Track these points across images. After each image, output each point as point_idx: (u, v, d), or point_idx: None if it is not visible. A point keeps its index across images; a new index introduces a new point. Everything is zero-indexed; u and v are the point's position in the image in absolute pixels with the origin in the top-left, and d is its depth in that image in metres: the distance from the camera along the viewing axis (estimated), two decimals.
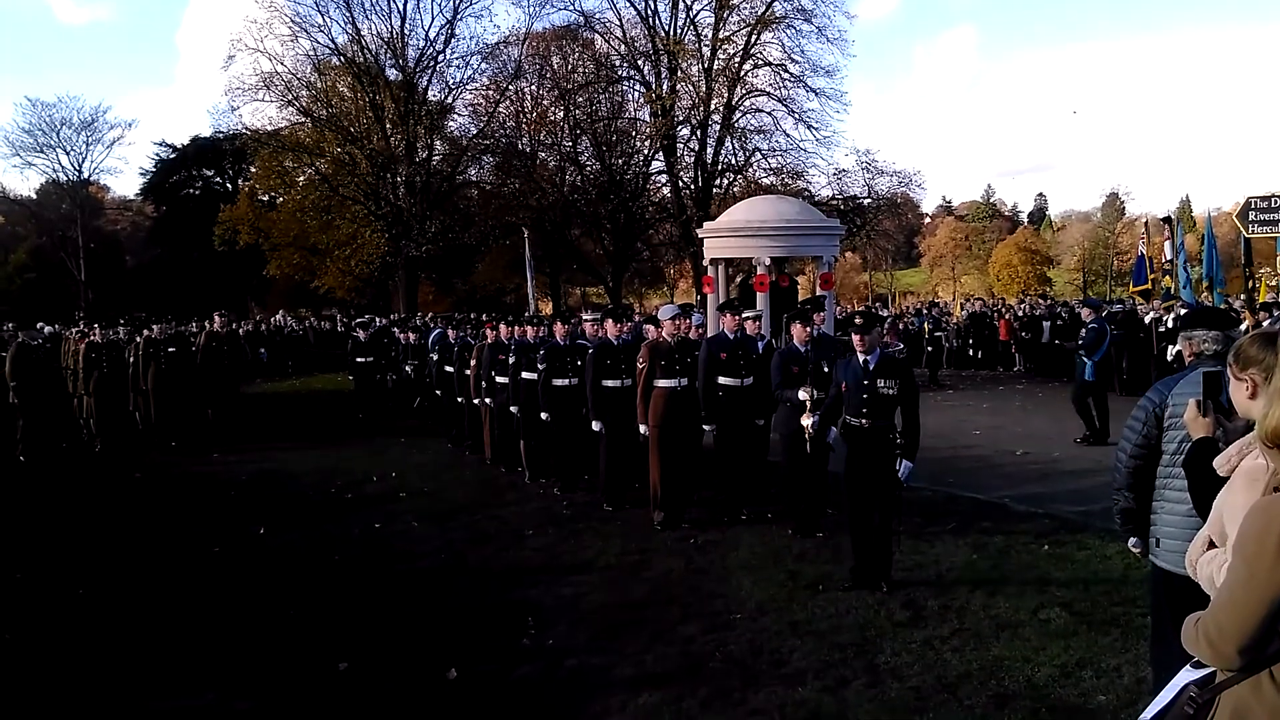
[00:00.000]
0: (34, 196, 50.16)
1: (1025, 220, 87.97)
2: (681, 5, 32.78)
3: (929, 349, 22.68)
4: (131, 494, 10.57)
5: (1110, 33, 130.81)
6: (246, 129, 34.84)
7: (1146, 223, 20.20)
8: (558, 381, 9.88)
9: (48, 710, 4.95)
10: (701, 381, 8.53)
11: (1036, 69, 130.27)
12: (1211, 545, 2.42)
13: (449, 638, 5.72)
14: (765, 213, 17.94)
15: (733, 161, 33.92)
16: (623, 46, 34.03)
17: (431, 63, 34.34)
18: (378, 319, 24.70)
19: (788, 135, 33.18)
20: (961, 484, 9.84)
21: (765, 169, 33.87)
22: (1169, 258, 15.84)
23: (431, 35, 34.16)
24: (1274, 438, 2.08)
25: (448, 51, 34.35)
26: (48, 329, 20.24)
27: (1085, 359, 12.45)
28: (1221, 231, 33.30)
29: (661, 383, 8.47)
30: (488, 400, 11.45)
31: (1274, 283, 17.18)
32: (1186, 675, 2.30)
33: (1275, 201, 12.66)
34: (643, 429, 8.64)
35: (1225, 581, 2.11)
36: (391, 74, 34.04)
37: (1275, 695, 2.02)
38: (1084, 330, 12.80)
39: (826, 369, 7.50)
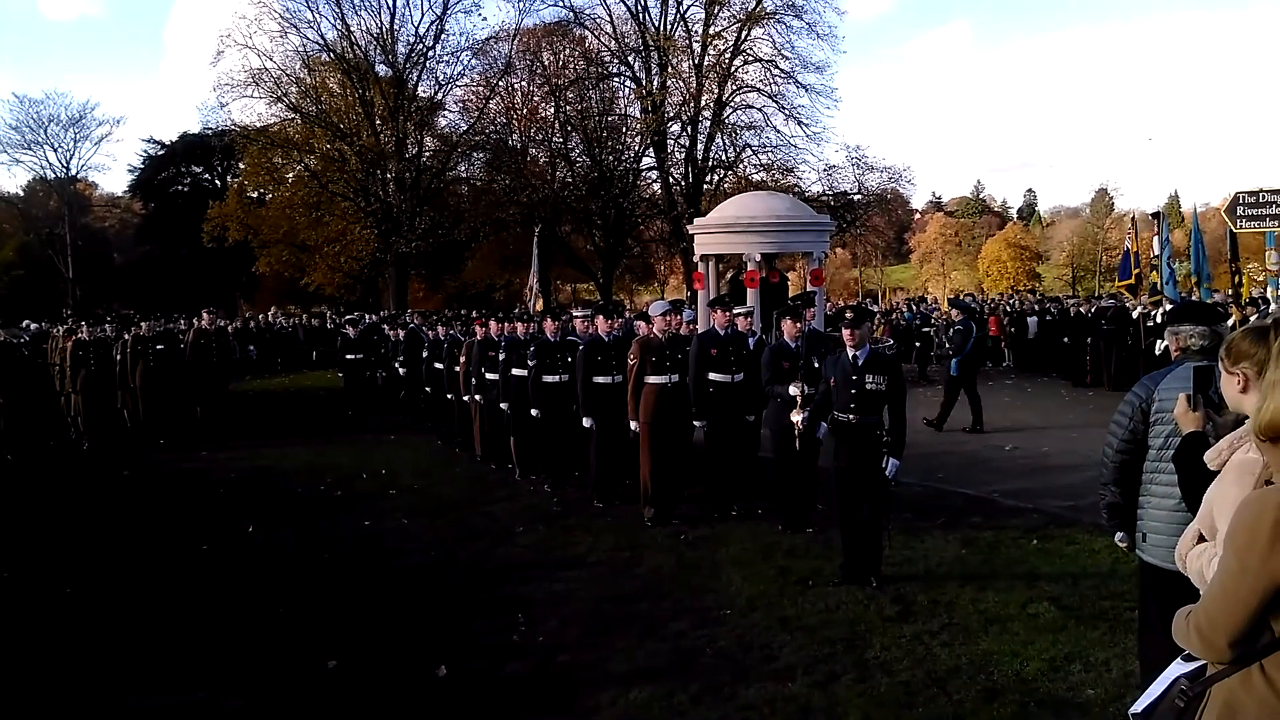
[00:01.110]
0: (21, 194, 49.91)
1: (1014, 216, 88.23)
2: (672, 1, 32.76)
3: (918, 345, 22.73)
4: (120, 492, 10.51)
5: (1101, 29, 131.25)
6: (235, 125, 34.70)
7: (1134, 218, 20.25)
8: (548, 378, 9.86)
9: (37, 709, 4.93)
10: (692, 378, 8.53)
11: (1027, 65, 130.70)
12: (1201, 539, 2.42)
13: (439, 634, 5.72)
14: (755, 209, 17.95)
15: (723, 157, 33.91)
16: (613, 42, 33.98)
17: (421, 59, 34.24)
18: (367, 316, 24.64)
19: (778, 131, 33.21)
20: (951, 479, 9.87)
21: (756, 165, 33.89)
22: (1157, 253, 15.88)
23: (421, 31, 34.08)
24: (1268, 431, 2.08)
25: (438, 48, 34.28)
26: (34, 326, 20.15)
27: (951, 357, 13.36)
28: (1210, 227, 33.41)
29: (652, 379, 8.47)
30: (478, 397, 11.43)
31: (1260, 277, 17.27)
32: (1177, 668, 2.31)
33: (1263, 197, 12.71)
34: (633, 425, 8.64)
35: (1216, 574, 2.11)
36: (381, 70, 33.93)
37: (1266, 688, 2.03)
38: (950, 330, 13.45)
39: (817, 364, 7.51)
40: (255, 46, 32.52)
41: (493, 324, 11.38)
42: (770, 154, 33.60)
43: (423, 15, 34.41)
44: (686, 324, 10.20)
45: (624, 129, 35.82)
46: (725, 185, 33.33)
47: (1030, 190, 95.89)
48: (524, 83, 36.33)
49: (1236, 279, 13.85)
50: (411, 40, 34.02)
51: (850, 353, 6.53)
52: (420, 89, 34.96)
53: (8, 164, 47.21)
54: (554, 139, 36.27)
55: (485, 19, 60.97)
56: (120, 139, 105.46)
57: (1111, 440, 4.18)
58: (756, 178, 33.12)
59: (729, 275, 19.59)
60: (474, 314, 16.95)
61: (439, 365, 13.28)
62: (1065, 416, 13.65)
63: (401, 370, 15.63)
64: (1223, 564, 2.09)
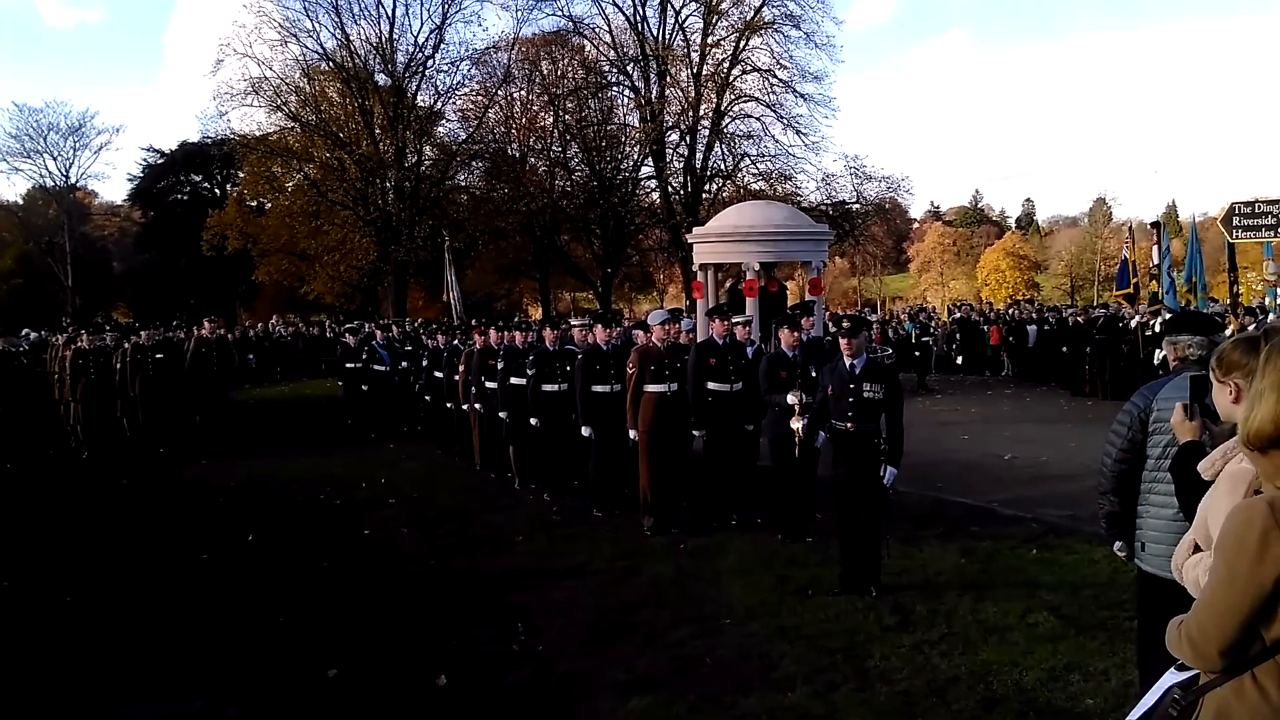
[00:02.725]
0: (20, 202, 49.96)
1: (1013, 225, 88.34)
2: (670, 10, 32.84)
3: (917, 354, 22.77)
4: (119, 501, 10.51)
5: (1100, 40, 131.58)
6: (235, 134, 34.74)
7: (1131, 227, 20.30)
8: (547, 387, 9.88)
9: (37, 717, 4.93)
10: (691, 387, 8.54)
11: (1025, 75, 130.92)
12: (1197, 549, 2.43)
13: (438, 644, 5.72)
14: (754, 218, 17.98)
15: (722, 167, 33.96)
16: (612, 52, 34.05)
17: (421, 68, 34.29)
18: (367, 325, 24.63)
19: (776, 140, 33.24)
20: (950, 489, 9.87)
21: (754, 174, 33.94)
22: (1156, 262, 15.92)
23: (420, 41, 34.12)
24: (1256, 441, 2.10)
25: (437, 57, 34.31)
26: (34, 335, 20.15)
27: None
28: (1208, 237, 33.47)
29: (651, 388, 8.48)
30: (477, 406, 11.44)
31: (1259, 287, 17.30)
32: (1170, 677, 2.32)
33: (1259, 207, 12.75)
34: (632, 434, 8.65)
35: (1206, 583, 2.13)
36: (380, 79, 33.99)
37: (1258, 697, 2.04)
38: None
39: (814, 374, 7.53)
40: (255, 55, 32.60)
41: (492, 333, 11.40)
42: (769, 163, 33.69)
43: (422, 25, 34.41)
44: (685, 333, 10.22)
45: (623, 138, 35.91)
46: (724, 194, 33.37)
47: (1028, 199, 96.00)
48: (523, 92, 36.44)
49: (1235, 289, 13.89)
50: (411, 50, 34.11)
51: (847, 361, 6.54)
52: (420, 98, 35.06)
53: (7, 172, 47.41)
54: (553, 148, 36.35)
55: (486, 29, 60.63)
56: (120, 148, 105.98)
57: (1110, 450, 4.19)
58: (755, 187, 33.18)
59: (728, 284, 19.61)
60: (473, 322, 16.96)
61: (439, 374, 13.29)
62: (1064, 425, 13.65)
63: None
64: (1212, 573, 2.10)
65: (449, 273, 21.29)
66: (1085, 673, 4.99)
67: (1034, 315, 24.09)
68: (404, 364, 15.73)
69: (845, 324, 6.66)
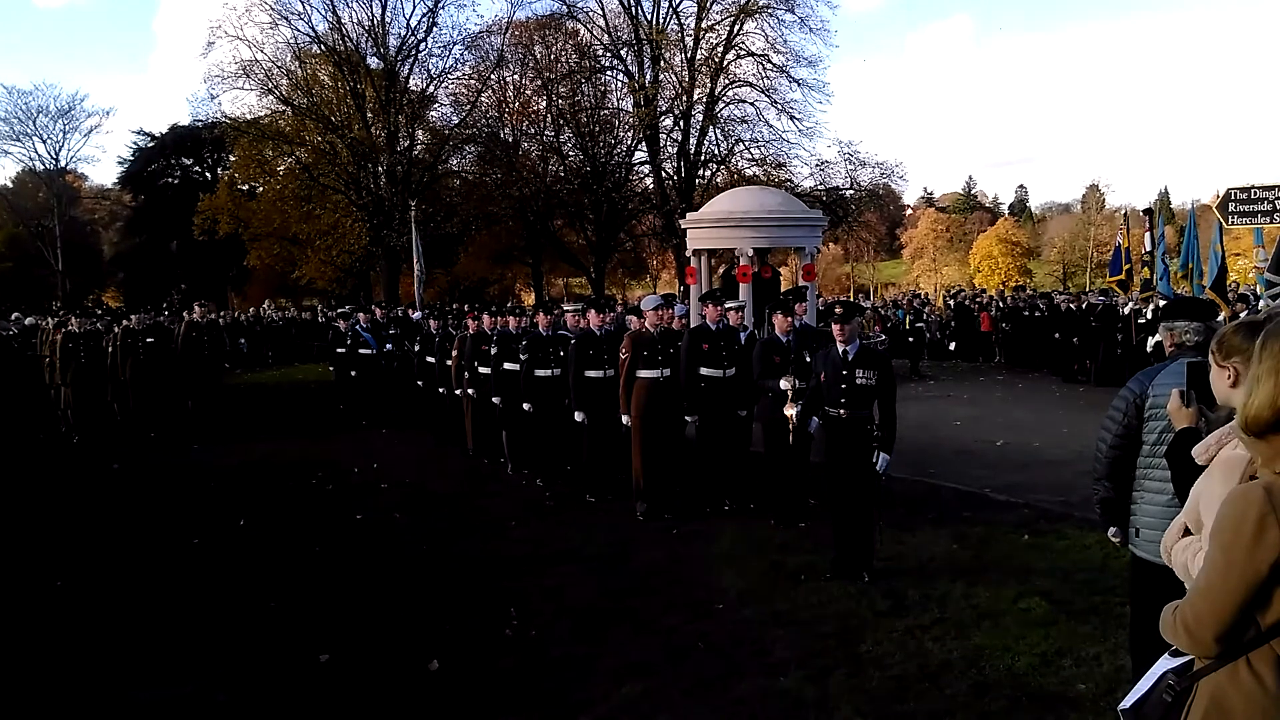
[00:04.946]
0: (10, 185, 49.66)
1: (1006, 212, 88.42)
2: None
3: (910, 340, 22.79)
4: (110, 485, 10.48)
5: (1095, 27, 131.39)
6: (226, 117, 34.50)
7: (1125, 214, 20.31)
8: (540, 372, 9.86)
9: (27, 702, 4.91)
10: (683, 372, 8.53)
11: (1018, 62, 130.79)
12: (1187, 532, 2.43)
13: (431, 629, 5.71)
14: (748, 204, 17.94)
15: (716, 152, 33.88)
16: (605, 36, 33.87)
17: (413, 51, 34.06)
18: (361, 311, 24.52)
19: (770, 126, 33.18)
20: (942, 474, 9.88)
21: (748, 160, 33.86)
22: (1148, 249, 15.93)
23: (413, 24, 33.86)
24: (1253, 425, 2.09)
25: (429, 40, 34.08)
26: (26, 320, 20.03)
27: None
28: (1200, 224, 33.52)
29: (644, 373, 8.47)
30: (469, 391, 11.41)
31: (1250, 274, 17.33)
32: (1165, 663, 2.31)
33: (1255, 193, 12.74)
34: (625, 419, 8.64)
35: (1202, 570, 2.12)
36: (373, 63, 33.77)
37: (1252, 682, 2.04)
38: None
39: (808, 359, 7.52)
40: (246, 38, 32.36)
41: (485, 318, 11.38)
42: (763, 148, 33.61)
43: (414, 7, 34.11)
44: (678, 318, 10.20)
45: (616, 123, 35.75)
46: (718, 180, 33.31)
47: (1022, 186, 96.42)
48: (516, 76, 36.26)
49: (1224, 275, 13.89)
50: (403, 32, 33.86)
51: (840, 348, 6.53)
52: (412, 82, 34.84)
53: None
54: (546, 133, 36.18)
55: (481, 15, 60.25)
56: (110, 131, 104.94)
57: (1105, 435, 4.18)
58: (749, 172, 33.11)
59: (721, 270, 19.55)
60: (465, 308, 16.90)
61: (431, 359, 13.25)
62: (1056, 412, 13.65)
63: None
64: (1208, 559, 2.10)
65: (416, 248, 21.14)
66: (1077, 658, 5.00)
67: (1028, 303, 24.05)
68: (388, 346, 15.67)
69: (838, 310, 6.65)
